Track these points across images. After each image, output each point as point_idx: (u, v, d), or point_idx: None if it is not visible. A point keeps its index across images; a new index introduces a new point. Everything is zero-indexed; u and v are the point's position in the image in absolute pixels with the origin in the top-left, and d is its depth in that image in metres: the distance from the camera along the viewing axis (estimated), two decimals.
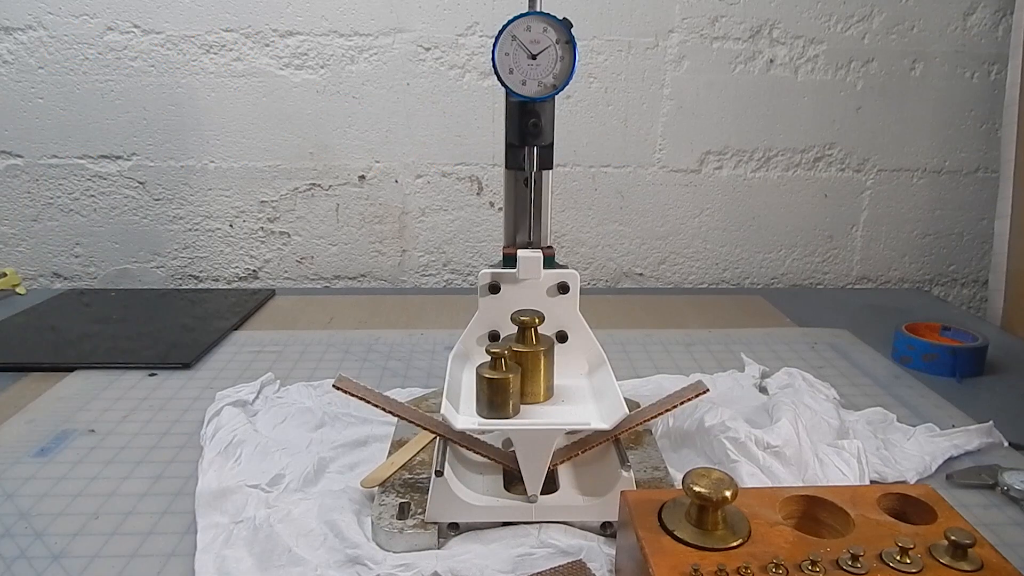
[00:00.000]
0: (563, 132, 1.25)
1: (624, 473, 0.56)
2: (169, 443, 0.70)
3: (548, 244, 0.64)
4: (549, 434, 0.54)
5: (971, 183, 1.32)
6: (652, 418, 0.63)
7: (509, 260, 0.62)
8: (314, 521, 0.56)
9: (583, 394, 0.60)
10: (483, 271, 0.62)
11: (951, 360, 0.88)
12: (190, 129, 1.22)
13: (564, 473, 0.61)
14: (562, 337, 0.63)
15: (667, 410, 0.60)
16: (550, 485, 0.61)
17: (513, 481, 0.61)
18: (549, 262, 0.62)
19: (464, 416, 0.55)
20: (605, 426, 0.54)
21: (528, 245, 0.63)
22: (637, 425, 0.63)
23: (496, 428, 0.55)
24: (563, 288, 0.62)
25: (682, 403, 0.60)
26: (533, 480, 0.55)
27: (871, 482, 0.63)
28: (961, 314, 1.23)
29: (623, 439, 0.65)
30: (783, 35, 1.23)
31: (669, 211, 1.31)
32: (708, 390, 0.60)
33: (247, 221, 1.27)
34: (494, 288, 0.62)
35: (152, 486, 0.63)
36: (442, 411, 0.53)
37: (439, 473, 0.55)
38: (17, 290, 1.19)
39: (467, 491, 0.57)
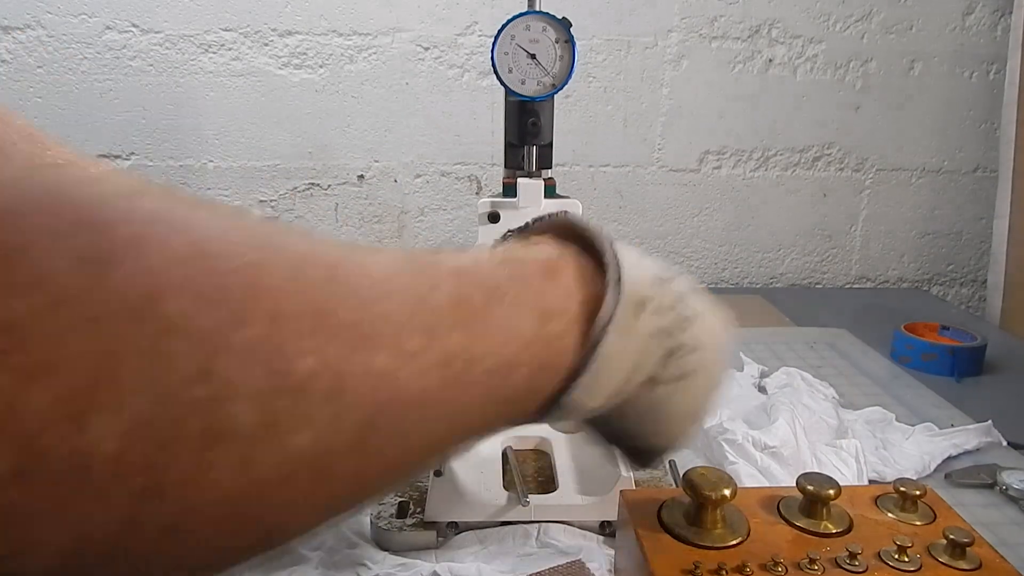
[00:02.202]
0: (562, 131, 1.25)
1: (623, 473, 0.56)
2: None
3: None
4: None
5: (970, 183, 1.32)
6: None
7: (509, 190, 0.60)
8: None
9: None
10: (482, 200, 0.60)
11: (950, 359, 0.88)
12: (189, 129, 1.22)
13: (563, 473, 0.61)
14: None
15: None
16: (549, 485, 0.61)
17: (511, 480, 0.61)
18: (550, 191, 0.60)
19: None
20: None
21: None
22: None
23: None
24: None
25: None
26: None
27: (870, 481, 0.63)
28: (960, 313, 1.23)
29: None
30: (782, 35, 1.23)
31: (668, 210, 1.31)
32: None
33: None
34: (493, 217, 0.60)
35: None
36: None
37: (438, 472, 0.55)
38: None
39: (466, 490, 0.57)
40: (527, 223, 0.35)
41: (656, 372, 0.32)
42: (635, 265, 0.32)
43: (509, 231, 0.35)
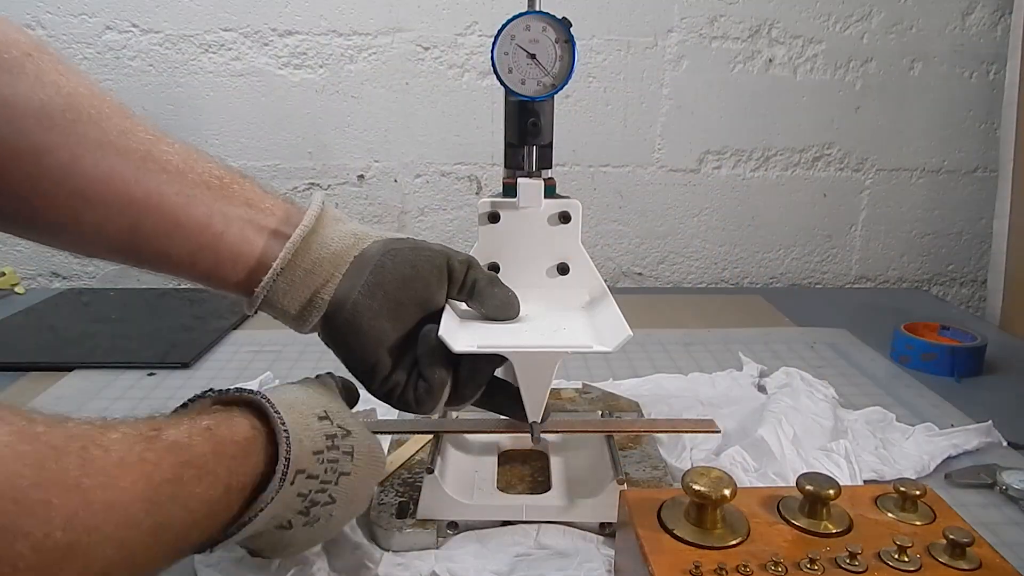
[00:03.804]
0: (562, 132, 1.25)
1: (618, 474, 0.56)
2: None
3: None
4: (550, 356, 0.52)
5: (970, 183, 1.32)
6: (650, 432, 0.65)
7: (509, 190, 0.60)
8: None
9: (585, 322, 0.58)
10: (482, 200, 0.60)
11: (950, 359, 0.88)
12: (189, 128, 1.22)
13: (559, 473, 0.61)
14: (563, 269, 0.61)
15: (669, 431, 0.64)
16: (544, 485, 0.61)
17: (507, 480, 0.61)
18: (550, 191, 0.60)
19: (463, 338, 0.52)
20: (606, 348, 0.52)
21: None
22: (636, 431, 0.64)
23: (495, 349, 0.52)
24: (564, 217, 0.60)
25: (687, 431, 0.62)
26: (534, 406, 0.53)
27: (869, 481, 0.63)
28: (960, 313, 1.23)
29: (621, 440, 0.65)
30: (782, 35, 1.24)
31: (668, 211, 1.31)
32: (720, 431, 0.60)
33: None
34: (493, 217, 0.60)
35: None
36: (441, 333, 0.50)
37: (430, 471, 0.55)
38: (16, 289, 1.19)
39: (459, 489, 0.57)
40: (230, 390, 0.44)
41: (291, 518, 0.44)
42: (305, 436, 0.43)
43: (214, 394, 0.44)
